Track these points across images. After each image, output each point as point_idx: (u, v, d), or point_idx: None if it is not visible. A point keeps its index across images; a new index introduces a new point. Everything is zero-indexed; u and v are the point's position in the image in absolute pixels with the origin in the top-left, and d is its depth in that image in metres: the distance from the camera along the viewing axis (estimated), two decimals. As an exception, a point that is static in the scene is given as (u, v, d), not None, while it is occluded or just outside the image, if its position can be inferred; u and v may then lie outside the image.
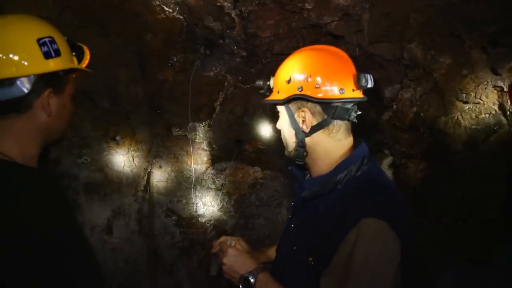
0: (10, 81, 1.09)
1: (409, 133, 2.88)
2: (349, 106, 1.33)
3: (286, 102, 1.39)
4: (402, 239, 1.19)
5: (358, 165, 1.32)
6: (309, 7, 2.53)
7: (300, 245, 1.37)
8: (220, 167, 3.10)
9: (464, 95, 2.61)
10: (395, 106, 2.83)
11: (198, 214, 3.18)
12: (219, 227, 3.22)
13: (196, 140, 3.01)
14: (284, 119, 1.46)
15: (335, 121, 1.34)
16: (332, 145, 1.36)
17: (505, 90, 2.52)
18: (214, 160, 3.08)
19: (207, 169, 3.10)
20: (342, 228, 1.19)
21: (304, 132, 1.37)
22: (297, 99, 1.35)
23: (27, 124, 1.16)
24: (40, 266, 1.02)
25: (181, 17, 2.72)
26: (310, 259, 1.26)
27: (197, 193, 3.13)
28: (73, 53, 1.32)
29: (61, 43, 1.23)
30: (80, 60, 1.35)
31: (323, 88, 1.30)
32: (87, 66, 1.38)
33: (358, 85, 1.32)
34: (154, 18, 2.72)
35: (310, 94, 1.30)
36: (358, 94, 1.34)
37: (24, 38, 1.14)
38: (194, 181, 3.08)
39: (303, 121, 1.36)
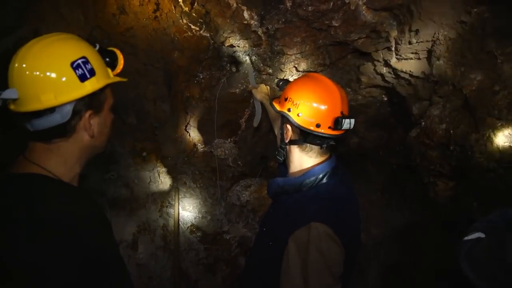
0: (51, 110, 1.10)
1: (438, 150, 2.82)
2: (324, 136, 1.56)
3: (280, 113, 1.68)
4: (344, 244, 1.44)
5: (324, 175, 1.56)
6: (336, 24, 2.52)
7: (267, 228, 1.68)
8: (245, 184, 3.09)
9: (496, 111, 2.54)
10: (423, 123, 2.78)
11: (223, 231, 3.17)
12: (243, 244, 3.20)
13: (221, 157, 3.01)
14: (278, 121, 1.79)
15: (309, 144, 1.60)
16: (305, 159, 1.64)
17: None
18: (239, 176, 3.07)
19: (232, 186, 3.09)
20: (295, 224, 1.45)
21: (284, 140, 1.67)
22: (285, 115, 1.63)
23: (73, 146, 1.19)
24: (82, 280, 1.03)
25: (208, 35, 2.75)
26: (270, 242, 1.55)
27: (222, 209, 3.12)
28: (107, 59, 1.30)
29: (94, 60, 1.21)
30: (114, 66, 1.33)
31: (303, 118, 1.56)
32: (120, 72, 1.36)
33: (334, 126, 1.54)
34: (181, 36, 2.75)
35: (293, 118, 1.58)
36: (332, 132, 1.56)
37: (57, 64, 1.13)
38: (219, 197, 3.07)
39: (286, 132, 1.65)
